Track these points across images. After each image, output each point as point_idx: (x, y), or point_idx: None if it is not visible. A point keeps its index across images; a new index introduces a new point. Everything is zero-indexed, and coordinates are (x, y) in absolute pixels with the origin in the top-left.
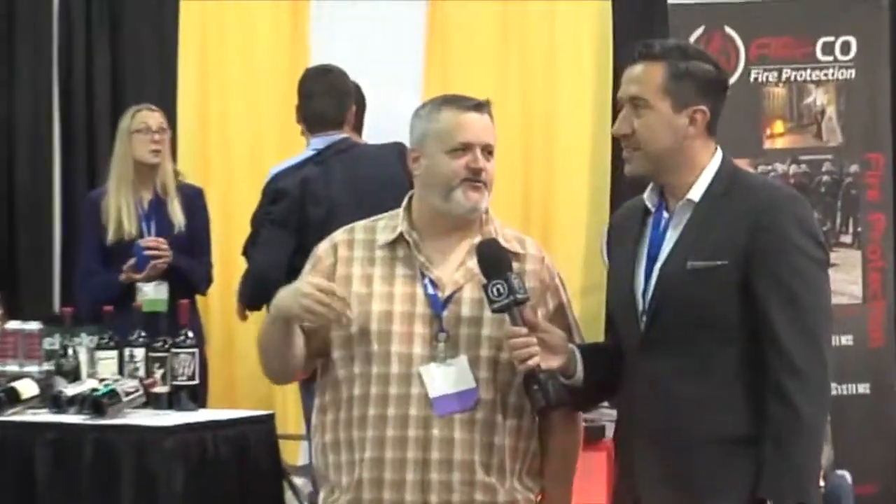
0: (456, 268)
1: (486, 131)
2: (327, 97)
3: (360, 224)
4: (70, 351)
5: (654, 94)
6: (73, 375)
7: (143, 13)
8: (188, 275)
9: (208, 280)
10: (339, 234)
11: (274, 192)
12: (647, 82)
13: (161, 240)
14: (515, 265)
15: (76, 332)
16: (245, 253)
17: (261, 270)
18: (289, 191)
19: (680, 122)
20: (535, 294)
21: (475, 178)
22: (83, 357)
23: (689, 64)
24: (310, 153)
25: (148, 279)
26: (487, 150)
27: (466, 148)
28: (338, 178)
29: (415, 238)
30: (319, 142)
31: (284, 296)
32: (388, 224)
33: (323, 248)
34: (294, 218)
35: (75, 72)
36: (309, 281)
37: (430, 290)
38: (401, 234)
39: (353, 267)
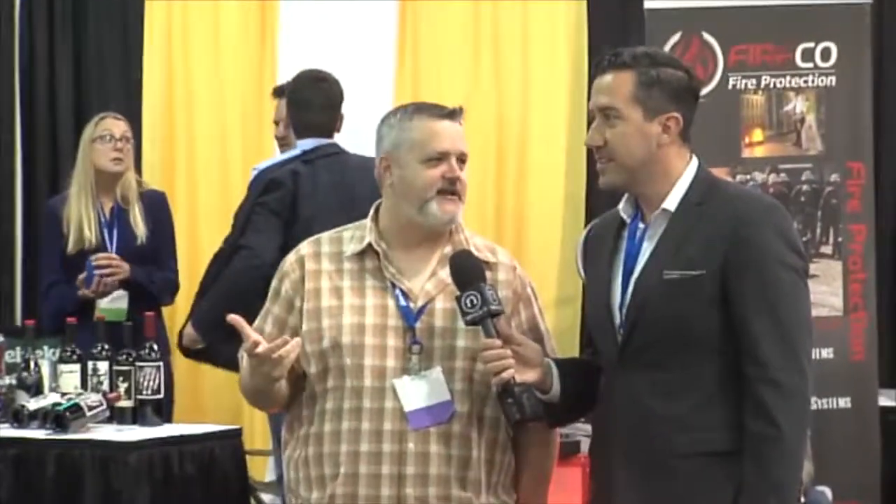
0: (427, 278)
1: (460, 139)
2: (323, 109)
3: (325, 236)
4: (32, 364)
5: (625, 103)
6: (36, 389)
7: (107, 15)
8: (146, 288)
9: (173, 289)
10: (306, 247)
11: (268, 181)
12: (617, 91)
13: (114, 256)
14: (487, 274)
15: (38, 345)
16: (210, 265)
17: (255, 254)
18: (283, 181)
19: (652, 130)
20: (508, 303)
21: (450, 189)
22: (46, 370)
23: (658, 71)
24: (297, 152)
25: (101, 295)
26: (461, 159)
27: (442, 157)
28: (324, 181)
29: (384, 248)
30: (308, 143)
31: (246, 377)
32: (354, 235)
33: (290, 261)
34: (287, 208)
35: (37, 77)
36: (247, 351)
37: (402, 302)
38: (369, 245)
39: (321, 280)
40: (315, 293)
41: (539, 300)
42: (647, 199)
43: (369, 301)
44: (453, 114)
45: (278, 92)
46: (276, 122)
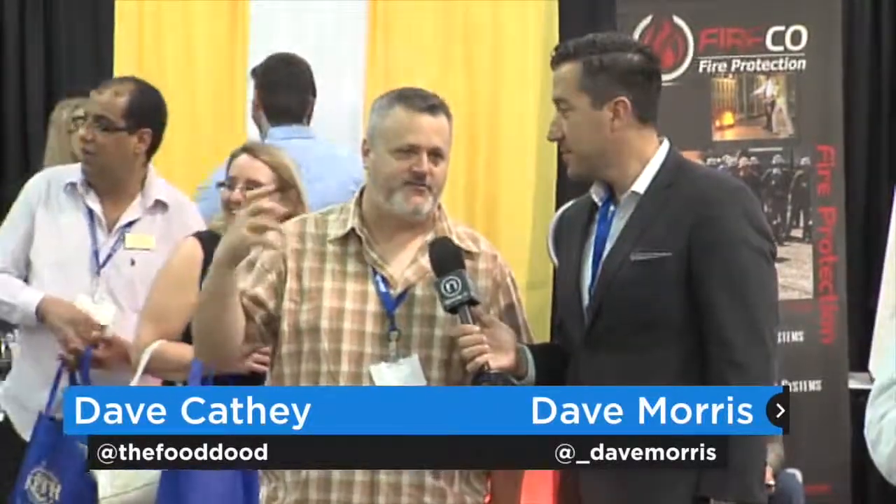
0: (407, 265)
1: (436, 134)
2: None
3: (310, 216)
4: (3, 347)
5: (572, 93)
6: (6, 372)
7: (77, 8)
8: None
9: None
10: (290, 226)
11: None
12: (565, 82)
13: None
14: (469, 263)
15: (9, 328)
16: None
17: None
18: None
19: (603, 116)
20: (488, 293)
21: (418, 182)
22: (15, 353)
23: (603, 57)
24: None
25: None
26: (436, 154)
27: (412, 150)
28: None
29: (366, 234)
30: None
31: (223, 240)
32: (338, 218)
33: (272, 236)
34: None
35: (7, 66)
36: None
37: (382, 288)
38: (352, 230)
39: (303, 260)
40: (296, 273)
41: (518, 290)
42: (616, 183)
43: (350, 286)
44: (434, 108)
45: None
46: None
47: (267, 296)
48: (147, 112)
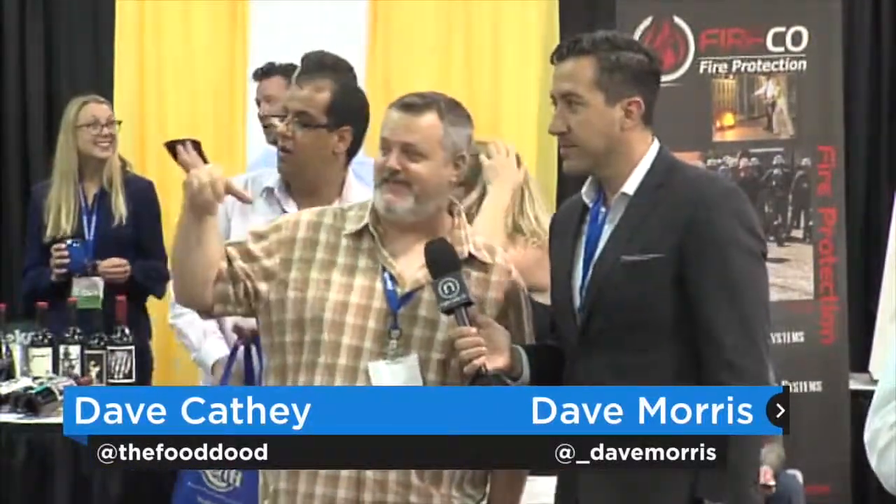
0: (419, 267)
1: (409, 131)
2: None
3: (330, 209)
4: (3, 348)
5: (587, 89)
6: (7, 373)
7: (77, 8)
8: (144, 283)
9: (164, 279)
10: (308, 214)
11: None
12: (579, 78)
13: (120, 261)
14: (482, 275)
15: (10, 329)
16: None
17: None
18: None
19: (615, 115)
20: (498, 306)
21: (389, 178)
22: (17, 354)
23: (618, 55)
24: None
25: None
26: (411, 150)
27: (384, 144)
28: None
29: (380, 232)
30: None
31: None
32: (357, 214)
33: (285, 218)
34: None
35: (7, 68)
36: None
37: (390, 286)
38: (366, 226)
39: (315, 251)
40: (305, 263)
41: (529, 307)
42: (609, 183)
43: (357, 281)
44: (411, 106)
45: (265, 72)
46: (259, 102)
47: (257, 272)
48: (350, 110)
